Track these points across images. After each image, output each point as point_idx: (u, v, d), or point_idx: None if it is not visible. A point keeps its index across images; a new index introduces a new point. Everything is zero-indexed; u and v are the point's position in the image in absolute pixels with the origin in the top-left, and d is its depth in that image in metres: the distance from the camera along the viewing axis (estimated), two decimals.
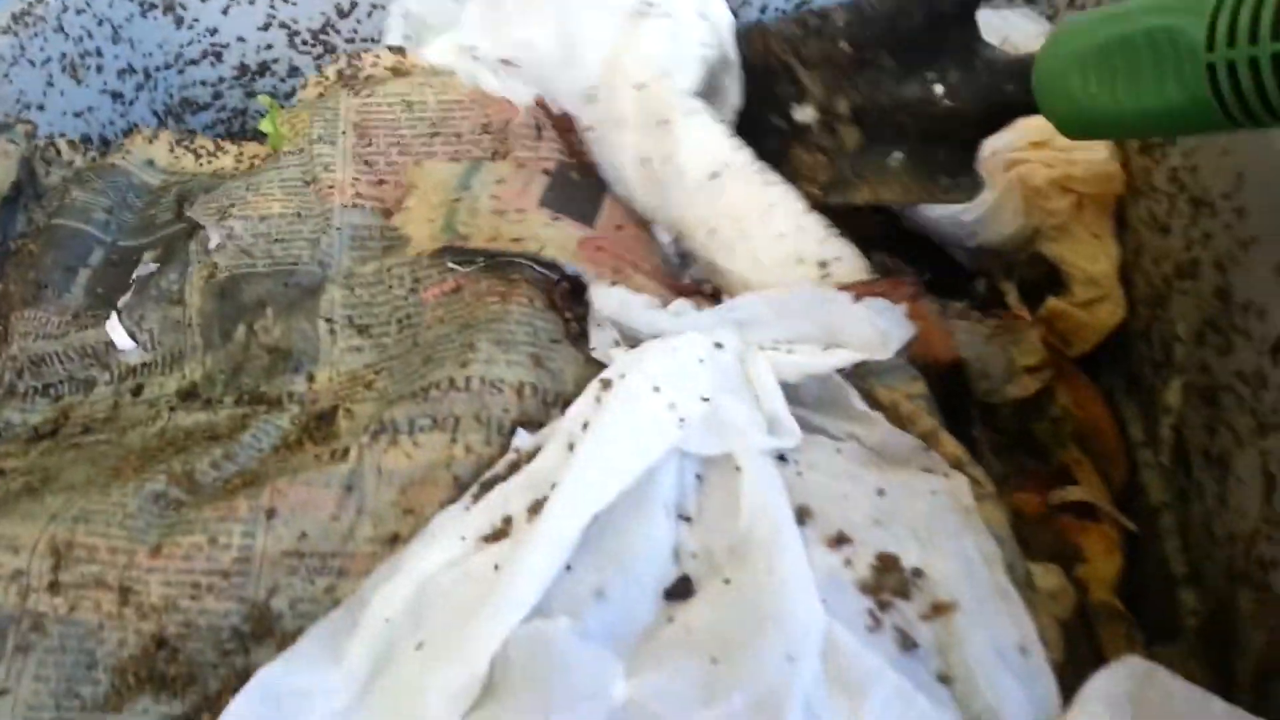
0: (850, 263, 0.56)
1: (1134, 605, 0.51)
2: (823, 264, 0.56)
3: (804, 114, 0.62)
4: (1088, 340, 0.61)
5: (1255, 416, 0.45)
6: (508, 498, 0.44)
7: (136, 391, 0.56)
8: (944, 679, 0.37)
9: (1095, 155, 0.62)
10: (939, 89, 0.55)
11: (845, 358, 0.48)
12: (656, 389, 0.44)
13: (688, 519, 0.43)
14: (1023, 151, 0.64)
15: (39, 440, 0.55)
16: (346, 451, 0.47)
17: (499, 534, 0.42)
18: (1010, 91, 0.52)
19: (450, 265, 0.55)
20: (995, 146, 0.62)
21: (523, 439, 0.48)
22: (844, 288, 0.52)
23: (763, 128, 0.64)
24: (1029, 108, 0.50)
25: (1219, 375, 0.49)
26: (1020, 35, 0.70)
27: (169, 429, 0.53)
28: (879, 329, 0.49)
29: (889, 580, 0.39)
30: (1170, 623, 0.51)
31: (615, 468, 0.41)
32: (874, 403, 0.48)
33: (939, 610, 0.38)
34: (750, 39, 0.63)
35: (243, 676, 0.43)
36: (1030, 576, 0.42)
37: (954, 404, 0.50)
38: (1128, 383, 0.61)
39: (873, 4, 0.58)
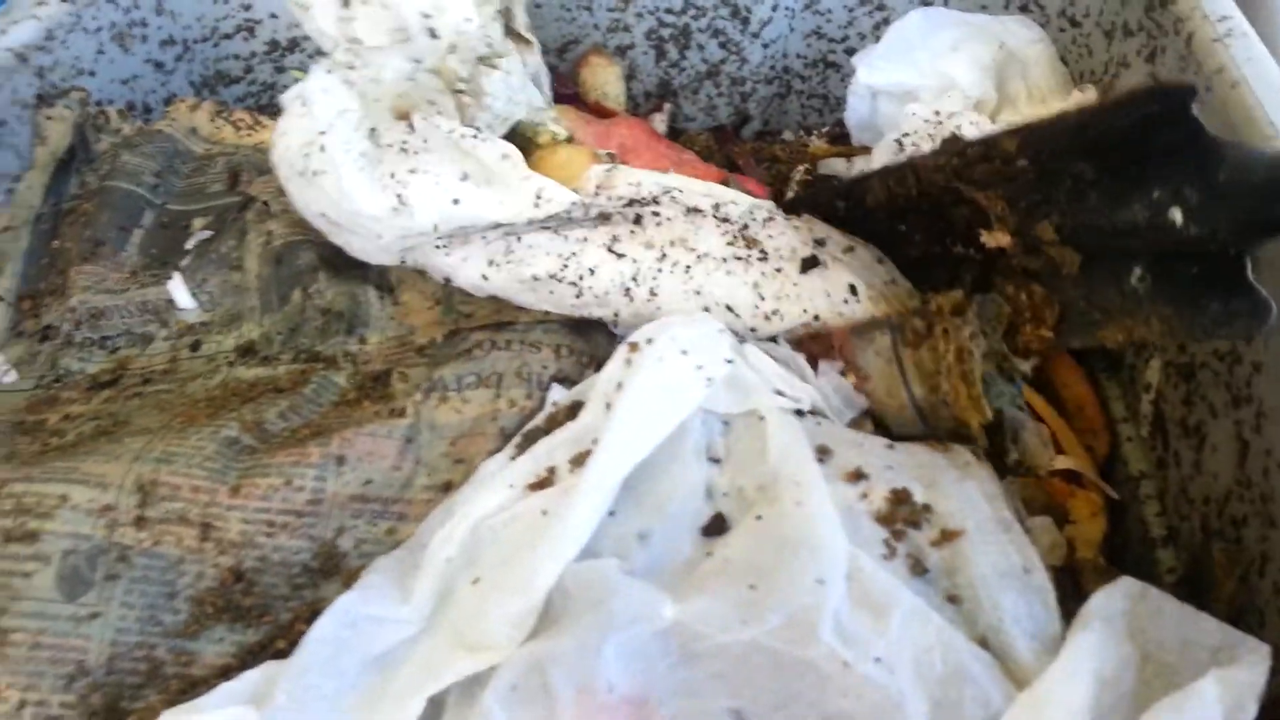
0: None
1: (1115, 565, 0.56)
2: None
3: (996, 239, 0.51)
4: None
5: (1229, 390, 0.50)
6: (552, 450, 0.48)
7: (194, 347, 0.60)
8: (952, 599, 0.41)
9: None
10: (1177, 215, 0.43)
11: (812, 400, 0.51)
12: (684, 352, 0.49)
13: (717, 461, 0.47)
14: None
15: (100, 389, 0.58)
16: (404, 410, 0.52)
17: (544, 482, 0.47)
18: None
19: None
20: None
21: (559, 394, 0.52)
22: (794, 343, 0.55)
23: (947, 262, 0.55)
24: None
25: (1197, 355, 0.54)
26: (1016, 41, 0.75)
27: (230, 380, 0.57)
28: (833, 404, 0.52)
29: (902, 511, 0.44)
30: (1149, 580, 0.56)
31: (651, 424, 0.46)
32: None
33: (947, 537, 0.43)
34: (898, 178, 0.54)
35: (312, 609, 0.47)
36: (1026, 518, 0.47)
37: None
38: (1109, 364, 0.66)
39: (1049, 121, 0.47)
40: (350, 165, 0.55)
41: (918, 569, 0.42)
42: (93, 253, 0.63)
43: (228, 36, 0.81)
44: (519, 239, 0.56)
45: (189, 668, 0.46)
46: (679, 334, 0.50)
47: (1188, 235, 0.43)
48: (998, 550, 0.43)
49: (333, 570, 0.49)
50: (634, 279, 0.55)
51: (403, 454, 0.51)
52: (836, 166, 0.80)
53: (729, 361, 0.49)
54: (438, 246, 0.56)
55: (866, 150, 0.80)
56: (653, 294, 0.54)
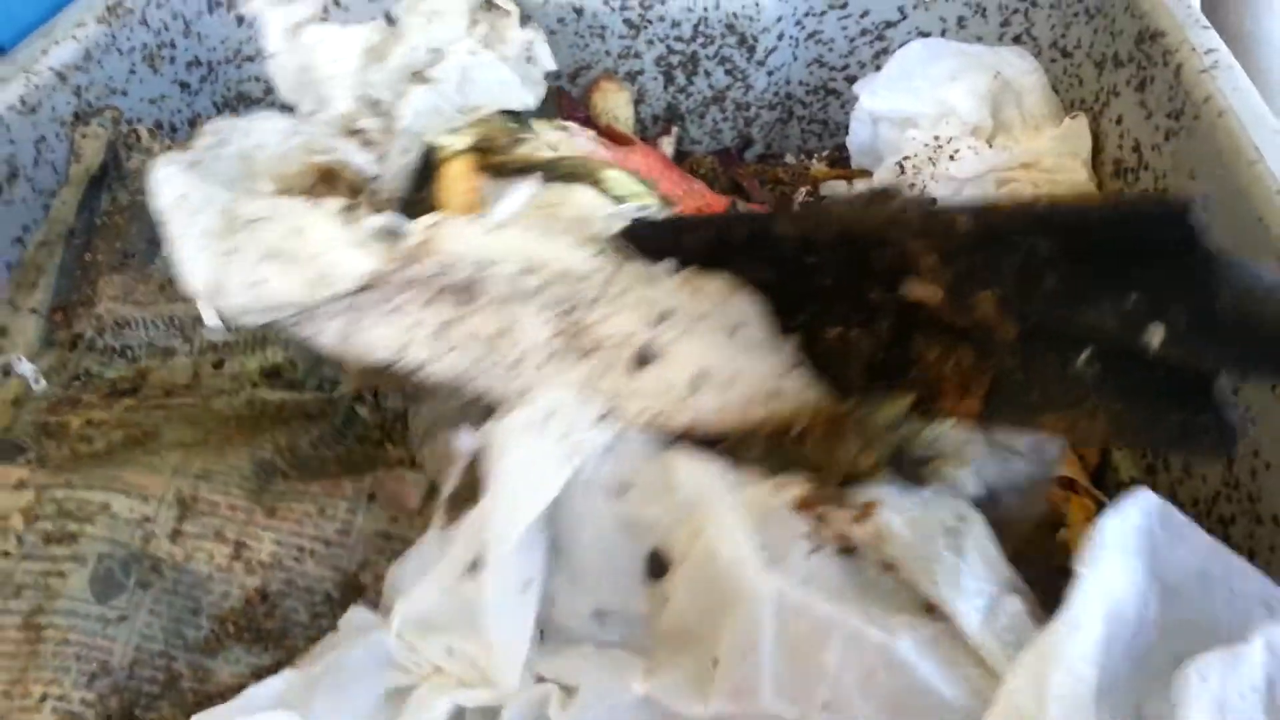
0: None
1: None
2: None
3: (922, 292, 0.43)
4: None
5: None
6: (471, 536, 0.45)
7: (217, 365, 0.62)
8: (888, 567, 0.40)
9: (1076, 177, 0.71)
10: (1156, 334, 0.36)
11: None
12: (550, 415, 0.47)
13: (626, 489, 0.45)
14: (1013, 171, 0.72)
15: (120, 396, 0.60)
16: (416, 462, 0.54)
17: (478, 562, 0.44)
18: None
19: None
20: (993, 164, 0.70)
21: (467, 442, 0.49)
22: None
23: (861, 307, 0.46)
24: None
25: None
26: (1011, 71, 0.78)
27: (256, 400, 0.59)
28: None
29: (824, 492, 0.42)
30: None
31: (522, 509, 0.44)
32: None
33: (867, 510, 0.41)
34: (816, 221, 0.47)
35: None
36: None
37: None
38: None
39: (1011, 205, 0.39)
40: (190, 248, 0.54)
41: (845, 549, 0.41)
42: (122, 264, 0.65)
43: (250, 59, 0.84)
44: (359, 318, 0.54)
45: (204, 684, 0.48)
46: (544, 399, 0.48)
47: (1163, 356, 0.36)
48: (921, 511, 0.41)
49: (351, 602, 0.50)
50: (464, 374, 0.52)
51: (425, 500, 0.53)
52: (838, 189, 0.82)
53: (601, 418, 0.47)
54: (291, 324, 0.55)
55: (867, 173, 0.83)
56: (485, 390, 0.52)
